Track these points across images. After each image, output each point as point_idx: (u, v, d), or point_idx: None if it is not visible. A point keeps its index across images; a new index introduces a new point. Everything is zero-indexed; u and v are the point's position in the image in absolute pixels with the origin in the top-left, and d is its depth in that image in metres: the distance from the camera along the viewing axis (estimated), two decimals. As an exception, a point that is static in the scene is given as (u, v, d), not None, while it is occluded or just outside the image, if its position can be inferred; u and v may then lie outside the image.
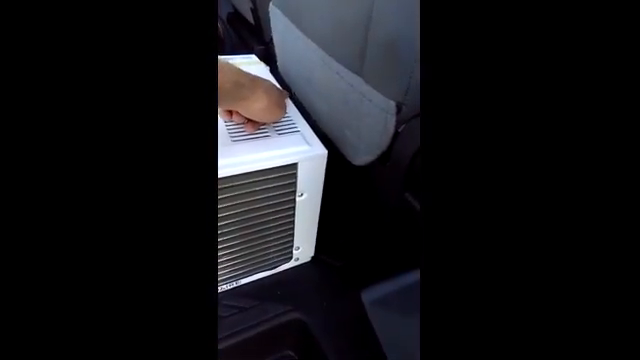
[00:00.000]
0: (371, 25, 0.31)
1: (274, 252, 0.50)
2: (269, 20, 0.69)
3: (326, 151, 0.41)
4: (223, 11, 1.38)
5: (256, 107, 0.38)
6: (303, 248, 0.53)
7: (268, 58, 1.05)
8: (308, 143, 0.41)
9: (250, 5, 0.99)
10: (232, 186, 0.38)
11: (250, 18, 1.08)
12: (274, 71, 0.78)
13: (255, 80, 0.37)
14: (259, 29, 1.03)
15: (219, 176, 0.36)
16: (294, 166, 0.40)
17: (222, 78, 0.33)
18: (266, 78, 0.55)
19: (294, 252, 0.53)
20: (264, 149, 0.39)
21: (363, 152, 0.41)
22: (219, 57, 0.36)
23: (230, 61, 0.63)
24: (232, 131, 0.41)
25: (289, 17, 0.52)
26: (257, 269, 0.51)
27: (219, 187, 0.37)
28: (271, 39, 0.73)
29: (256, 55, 1.08)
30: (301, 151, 0.40)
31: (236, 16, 1.30)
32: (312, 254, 0.56)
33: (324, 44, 0.40)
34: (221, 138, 0.40)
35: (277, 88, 0.43)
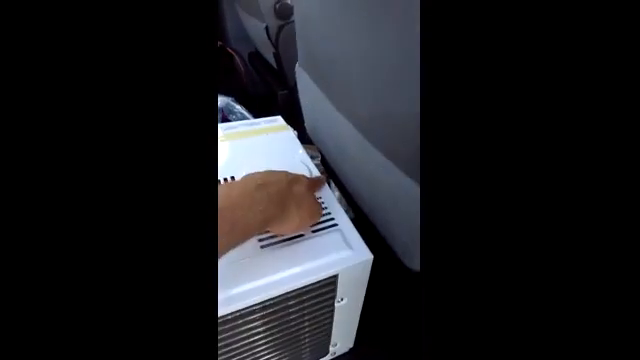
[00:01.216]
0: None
1: (309, 352, 0.44)
2: (292, 65, 0.65)
3: (371, 256, 0.35)
4: (244, 50, 1.38)
5: (285, 227, 0.33)
6: (341, 343, 0.47)
7: (292, 103, 1.01)
8: (349, 246, 0.35)
9: (273, 50, 0.96)
10: (264, 307, 0.32)
11: (272, 61, 1.05)
12: (301, 127, 0.73)
13: (285, 197, 0.31)
14: (282, 73, 1.00)
15: (247, 304, 0.30)
16: (334, 277, 0.34)
17: (251, 205, 0.28)
18: (294, 148, 0.50)
19: (331, 348, 0.46)
20: (299, 261, 0.33)
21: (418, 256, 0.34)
22: (250, 176, 0.31)
23: (256, 126, 0.58)
24: (262, 233, 0.36)
25: (318, 85, 0.47)
26: (290, 370, 0.45)
27: (249, 312, 0.32)
28: (295, 84, 0.69)
29: (279, 100, 1.05)
30: (343, 259, 0.34)
31: (258, 56, 1.29)
32: (351, 346, 0.49)
33: (364, 131, 0.35)
34: (249, 245, 0.35)
35: (312, 196, 0.36)
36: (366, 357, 0.50)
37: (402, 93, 0.28)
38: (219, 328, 0.31)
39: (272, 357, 0.40)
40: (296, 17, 0.49)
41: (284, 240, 0.35)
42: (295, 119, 0.76)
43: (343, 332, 0.44)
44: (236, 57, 1.35)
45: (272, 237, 0.36)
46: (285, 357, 0.42)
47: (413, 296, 0.47)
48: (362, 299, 0.40)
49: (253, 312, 0.32)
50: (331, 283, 0.35)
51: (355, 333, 0.47)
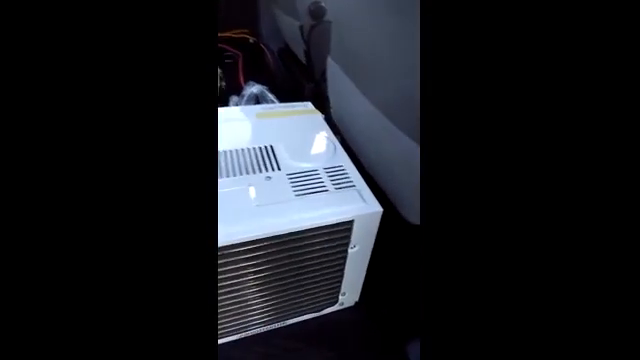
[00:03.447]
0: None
1: (321, 297, 0.52)
2: (320, 61, 0.73)
3: (381, 209, 0.43)
4: (275, 45, 1.48)
5: None
6: (349, 294, 0.54)
7: (319, 96, 1.10)
8: (364, 200, 0.43)
9: (304, 47, 1.05)
10: (292, 240, 0.40)
11: (300, 56, 1.14)
12: (326, 113, 0.82)
13: None
14: (310, 68, 1.09)
15: (282, 232, 0.39)
16: (350, 222, 0.42)
17: None
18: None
19: (340, 297, 0.54)
20: (324, 205, 0.42)
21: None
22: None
23: (290, 108, 0.67)
24: (295, 186, 0.45)
25: (347, 74, 0.55)
26: (304, 311, 0.53)
27: (281, 242, 0.40)
28: (323, 74, 0.77)
29: (306, 92, 1.14)
30: (357, 208, 0.42)
31: (287, 51, 1.39)
32: (357, 299, 0.57)
33: (390, 114, 0.43)
34: (286, 193, 0.43)
35: None
36: (369, 310, 0.57)
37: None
38: (233, 258, 0.39)
39: (289, 291, 0.48)
40: (331, 15, 0.58)
41: (313, 190, 0.44)
42: (320, 109, 0.85)
43: (352, 281, 0.52)
44: (267, 52, 1.45)
45: (304, 187, 0.44)
46: (301, 297, 0.50)
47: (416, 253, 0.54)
48: (370, 249, 0.48)
49: (272, 245, 0.40)
50: (347, 229, 0.43)
51: (361, 286, 0.55)
